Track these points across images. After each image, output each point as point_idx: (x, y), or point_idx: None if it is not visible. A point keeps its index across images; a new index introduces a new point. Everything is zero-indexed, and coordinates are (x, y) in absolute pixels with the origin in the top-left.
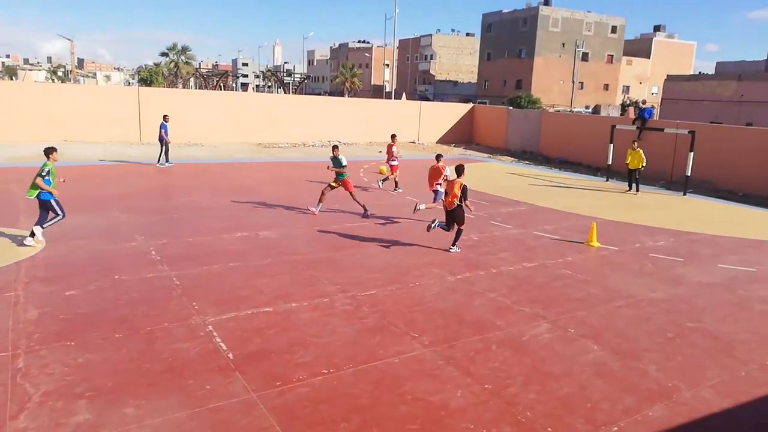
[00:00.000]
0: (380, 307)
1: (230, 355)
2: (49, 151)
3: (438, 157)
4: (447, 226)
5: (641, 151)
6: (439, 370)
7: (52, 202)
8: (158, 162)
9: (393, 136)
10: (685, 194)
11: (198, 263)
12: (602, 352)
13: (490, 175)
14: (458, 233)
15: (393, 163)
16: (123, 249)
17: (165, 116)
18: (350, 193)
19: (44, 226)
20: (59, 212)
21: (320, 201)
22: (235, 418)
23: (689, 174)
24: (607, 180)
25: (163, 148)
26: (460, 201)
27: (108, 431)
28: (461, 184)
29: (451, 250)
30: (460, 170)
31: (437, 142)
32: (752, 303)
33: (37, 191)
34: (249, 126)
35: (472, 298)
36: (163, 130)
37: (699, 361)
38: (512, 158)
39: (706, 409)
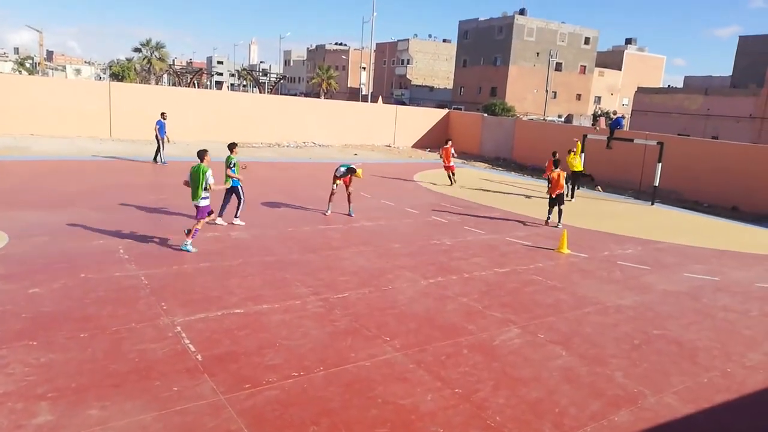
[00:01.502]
0: (352, 310)
1: (199, 357)
2: (232, 146)
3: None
4: (551, 207)
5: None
6: (410, 373)
7: (239, 188)
8: (158, 160)
9: (449, 140)
10: (652, 204)
11: (167, 262)
12: (570, 358)
13: (465, 181)
14: (560, 212)
15: (452, 163)
16: (90, 246)
17: (162, 114)
18: (347, 188)
19: (237, 214)
20: (242, 197)
21: (330, 201)
22: (202, 421)
23: (657, 184)
24: (578, 188)
25: (160, 145)
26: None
27: None
28: (561, 174)
29: (558, 226)
30: (557, 164)
31: (413, 147)
32: (715, 311)
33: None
34: (223, 125)
35: (444, 302)
36: (158, 127)
37: (663, 368)
38: (486, 164)
39: (670, 415)
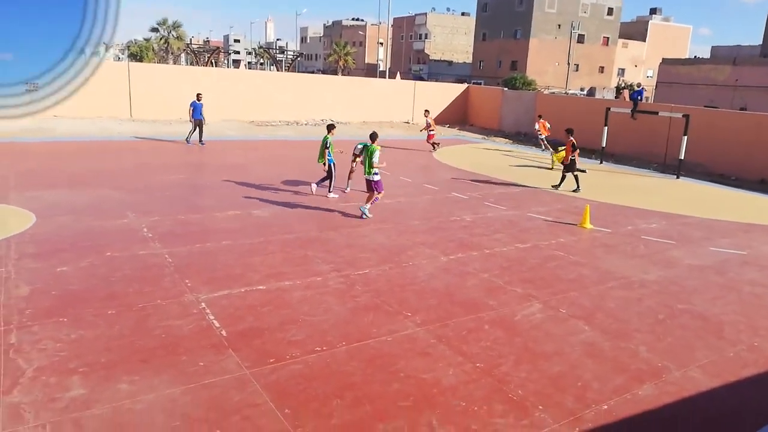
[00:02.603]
0: (373, 286)
1: (223, 332)
2: (330, 128)
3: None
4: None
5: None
6: (431, 348)
7: (332, 165)
8: (201, 141)
9: (426, 111)
10: (678, 177)
11: (190, 241)
12: (593, 333)
13: (484, 156)
14: (577, 177)
15: (431, 132)
16: (114, 226)
17: (198, 95)
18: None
19: (330, 189)
20: (333, 175)
21: (349, 178)
22: (228, 395)
23: (683, 157)
24: (601, 162)
25: (194, 127)
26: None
27: (102, 406)
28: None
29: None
30: (571, 132)
31: None
32: (742, 285)
33: (327, 158)
34: (241, 103)
35: (464, 278)
36: (192, 109)
37: (688, 342)
38: (506, 139)
39: (695, 389)
